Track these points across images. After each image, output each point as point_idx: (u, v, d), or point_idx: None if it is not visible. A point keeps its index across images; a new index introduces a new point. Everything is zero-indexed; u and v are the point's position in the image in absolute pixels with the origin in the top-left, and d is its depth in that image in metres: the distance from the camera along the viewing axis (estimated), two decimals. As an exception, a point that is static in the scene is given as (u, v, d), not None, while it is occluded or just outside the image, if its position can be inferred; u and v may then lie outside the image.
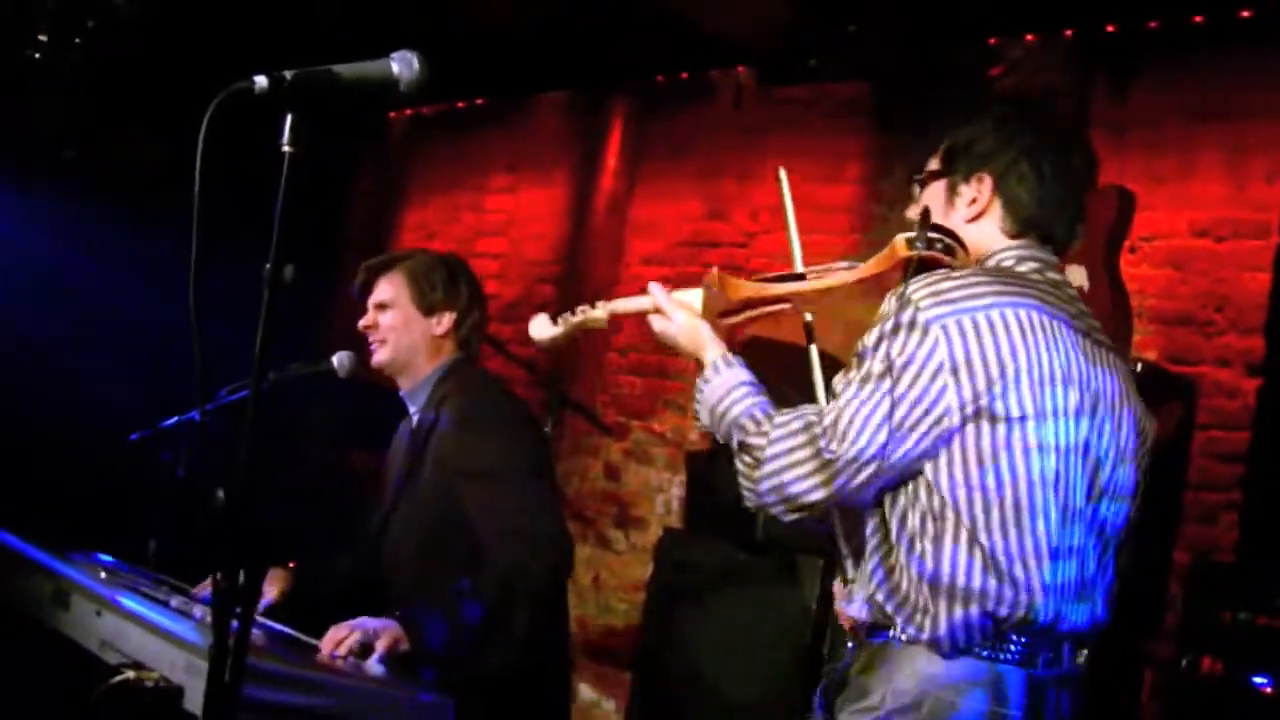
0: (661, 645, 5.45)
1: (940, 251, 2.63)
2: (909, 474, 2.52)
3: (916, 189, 2.84)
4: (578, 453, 7.10)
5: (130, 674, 2.89)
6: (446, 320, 3.95)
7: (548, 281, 7.57)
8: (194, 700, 2.79)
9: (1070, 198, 2.73)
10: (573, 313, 3.02)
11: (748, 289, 2.81)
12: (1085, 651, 2.66)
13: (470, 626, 3.55)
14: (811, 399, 2.74)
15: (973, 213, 2.72)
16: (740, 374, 2.70)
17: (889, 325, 2.51)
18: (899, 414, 2.46)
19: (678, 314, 2.82)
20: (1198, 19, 5.23)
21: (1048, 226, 2.71)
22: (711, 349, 2.75)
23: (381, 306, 3.96)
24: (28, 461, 6.58)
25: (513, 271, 7.72)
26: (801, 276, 2.81)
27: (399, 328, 3.94)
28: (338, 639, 3.37)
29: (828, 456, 2.48)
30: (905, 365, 2.47)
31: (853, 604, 2.64)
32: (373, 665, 3.32)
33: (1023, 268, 2.66)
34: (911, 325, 2.48)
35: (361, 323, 3.99)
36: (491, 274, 7.50)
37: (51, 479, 6.42)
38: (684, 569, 5.44)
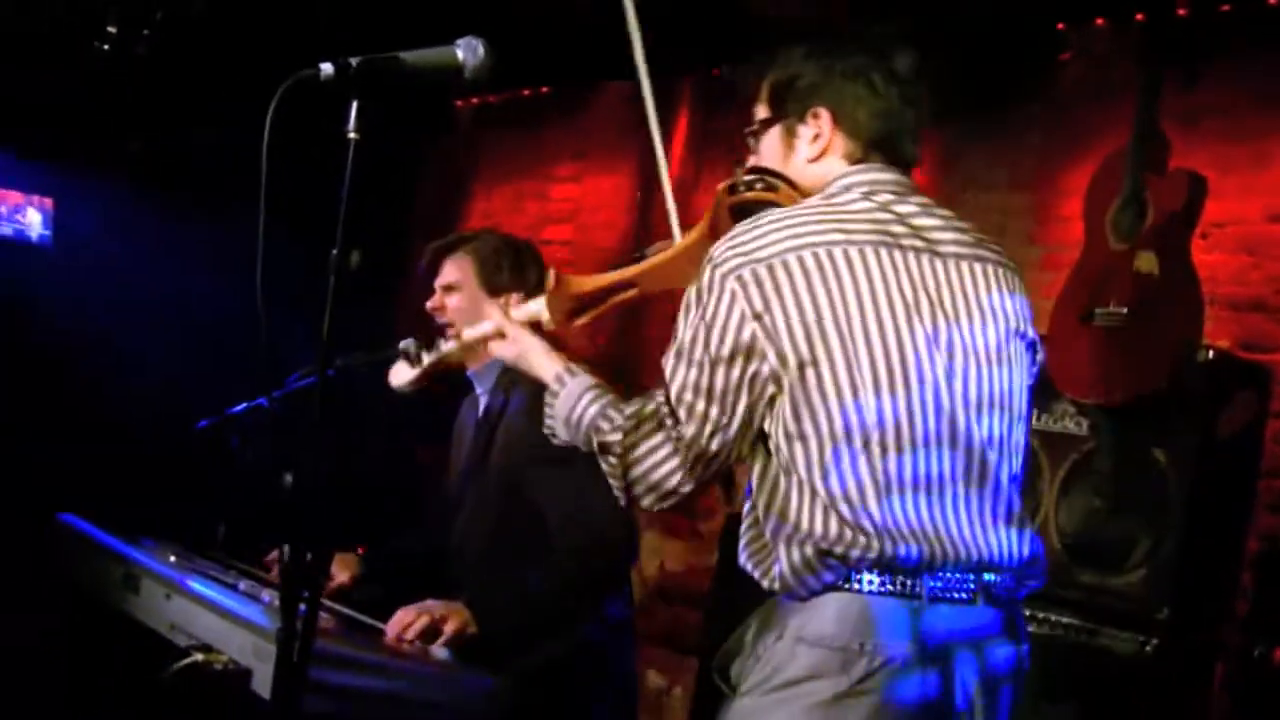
0: (727, 633, 5.44)
1: (762, 190, 2.61)
2: (761, 435, 2.51)
3: (751, 141, 2.79)
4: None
5: (199, 656, 2.93)
6: (514, 302, 3.94)
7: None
8: (262, 682, 2.82)
9: (909, 104, 2.66)
10: (427, 351, 3.05)
11: (586, 283, 2.80)
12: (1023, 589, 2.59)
13: (536, 614, 3.56)
14: None
15: (817, 150, 2.66)
16: (584, 380, 2.70)
17: (693, 290, 2.51)
18: (720, 378, 2.46)
19: (518, 336, 2.85)
20: (1272, 1, 5.16)
21: (893, 141, 2.65)
22: (550, 366, 2.77)
23: (448, 288, 3.95)
24: (98, 448, 6.65)
25: (581, 259, 7.71)
26: (640, 257, 2.81)
27: (465, 310, 3.91)
28: (404, 623, 3.39)
29: (677, 434, 2.49)
30: (710, 326, 2.46)
31: None
32: (438, 650, 3.33)
33: (843, 196, 2.58)
34: (709, 285, 2.47)
35: (428, 304, 3.98)
36: (559, 261, 7.49)
37: (122, 465, 6.47)
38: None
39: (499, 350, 2.89)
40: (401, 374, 3.16)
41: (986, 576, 2.50)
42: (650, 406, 2.54)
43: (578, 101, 7.95)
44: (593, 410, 2.63)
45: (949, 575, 2.46)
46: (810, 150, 2.66)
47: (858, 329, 2.43)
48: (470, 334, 3.00)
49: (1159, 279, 4.47)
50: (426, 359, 3.11)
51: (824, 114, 2.64)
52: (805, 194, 2.63)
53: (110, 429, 6.87)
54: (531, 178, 8.19)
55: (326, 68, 2.48)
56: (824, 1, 5.88)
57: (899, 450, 2.43)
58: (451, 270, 3.96)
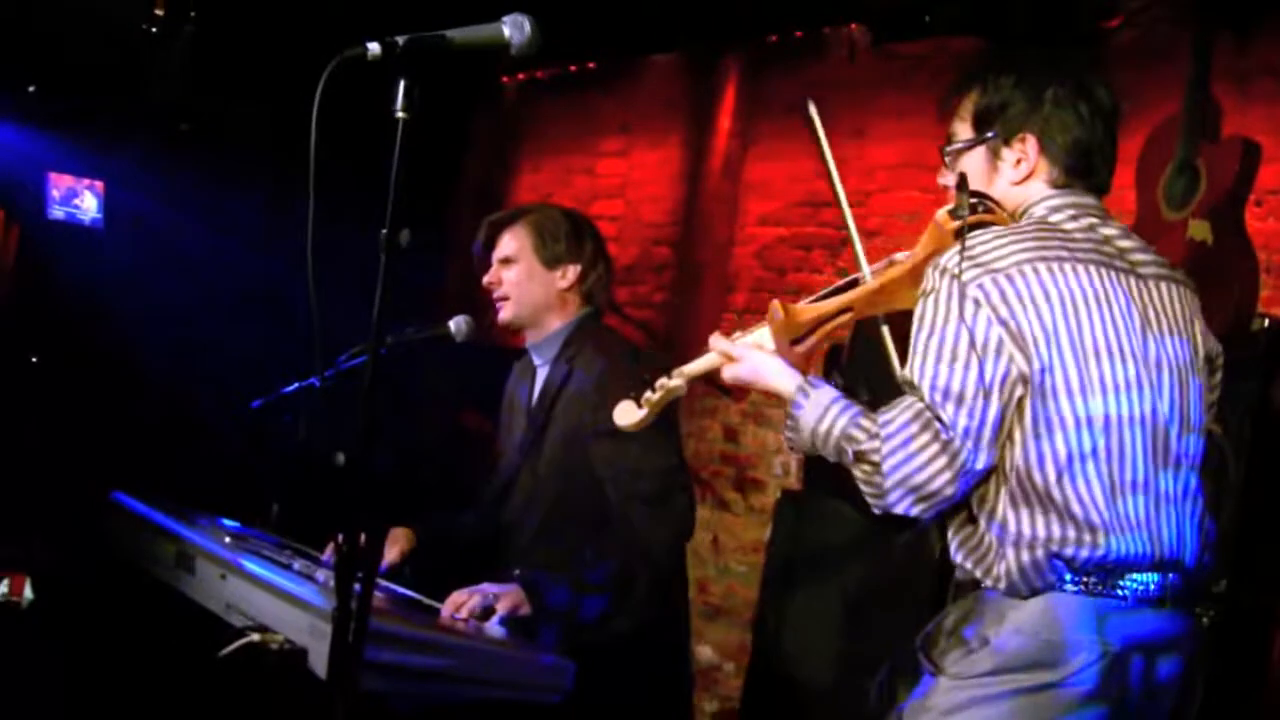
0: (781, 607, 5.44)
1: (983, 213, 2.73)
2: None
3: (948, 158, 2.89)
4: (695, 414, 7.09)
5: (255, 636, 2.94)
6: (571, 274, 3.92)
7: (664, 243, 7.55)
8: (318, 662, 2.82)
9: (1107, 135, 2.82)
10: (653, 390, 2.99)
11: (811, 311, 2.83)
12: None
13: (593, 591, 3.56)
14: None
15: (1021, 174, 2.81)
16: (829, 392, 2.71)
17: (930, 301, 2.62)
18: (974, 384, 2.55)
19: (748, 355, 2.83)
20: (1324, -39, 5.10)
21: (1092, 169, 2.81)
22: (790, 378, 2.76)
23: (505, 261, 3.92)
24: (153, 428, 6.70)
25: (629, 234, 7.71)
26: (855, 282, 2.86)
27: (522, 283, 3.90)
28: (459, 602, 3.40)
29: (945, 437, 2.54)
30: (958, 335, 2.57)
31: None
32: (493, 627, 3.34)
33: (1056, 217, 2.75)
34: (950, 294, 2.59)
35: (485, 279, 3.96)
36: (608, 236, 7.43)
37: (176, 445, 6.52)
38: (802, 531, 5.42)
39: (728, 372, 2.87)
40: (630, 414, 3.04)
41: (1173, 577, 2.65)
42: (910, 412, 2.57)
43: (624, 75, 7.94)
44: (843, 420, 2.64)
45: (1150, 578, 2.62)
46: (1014, 174, 2.82)
47: (1088, 340, 2.60)
48: (699, 366, 2.96)
49: (1212, 248, 4.43)
50: (653, 397, 3.00)
51: (1030, 140, 2.79)
52: (1009, 213, 2.80)
53: (164, 408, 6.91)
54: (579, 152, 8.18)
55: (373, 47, 2.48)
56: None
57: (1121, 456, 2.61)
58: (509, 243, 3.94)
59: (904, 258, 2.84)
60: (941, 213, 2.77)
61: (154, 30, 6.85)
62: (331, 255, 2.57)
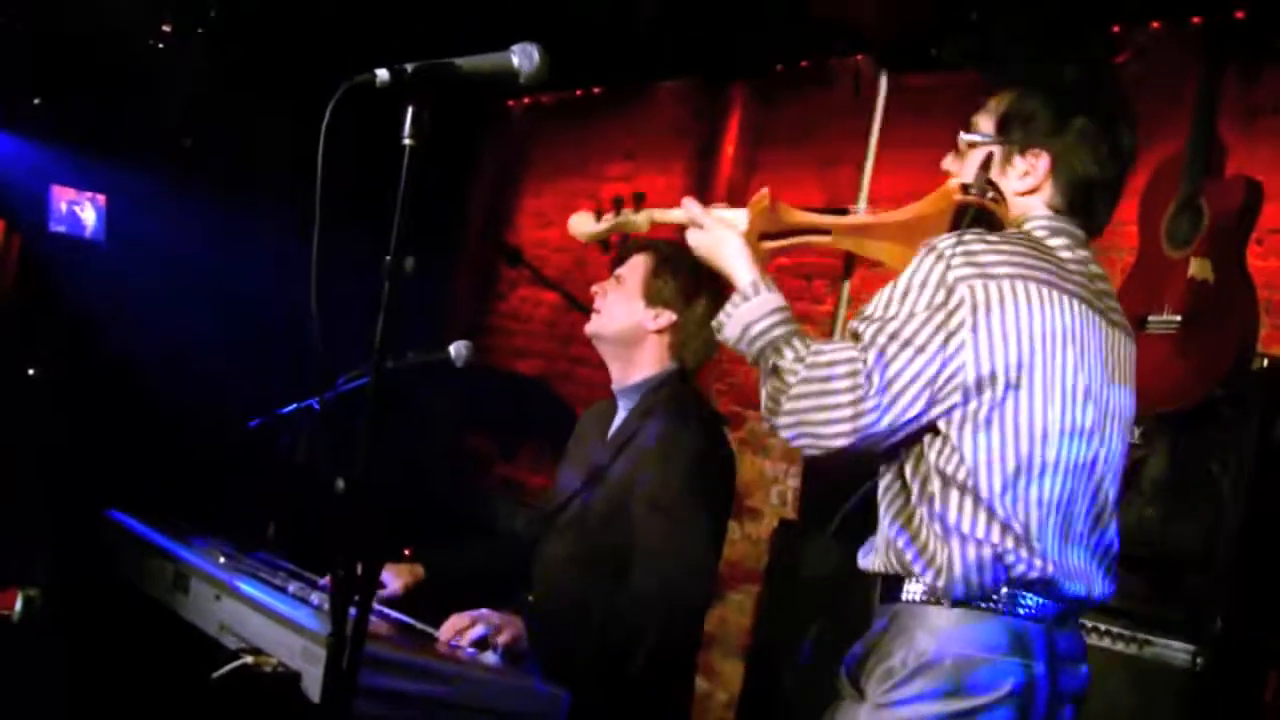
0: (776, 637, 5.43)
1: (991, 200, 2.70)
2: (926, 431, 2.59)
3: (963, 145, 2.88)
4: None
5: (248, 659, 2.93)
6: (663, 319, 3.80)
7: (665, 270, 7.54)
8: (311, 686, 2.82)
9: (1118, 180, 2.80)
10: (616, 212, 3.00)
11: (796, 215, 2.84)
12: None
13: (590, 647, 3.50)
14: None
15: (1025, 186, 2.78)
16: (779, 299, 2.70)
17: (917, 276, 2.57)
18: (915, 368, 2.52)
19: (716, 228, 2.85)
20: (1330, 3, 5.11)
21: (1092, 209, 2.79)
22: (750, 268, 2.76)
23: (618, 279, 3.90)
24: (149, 447, 6.69)
25: (630, 259, 7.71)
26: (845, 212, 2.86)
27: (615, 305, 3.84)
28: (459, 628, 3.37)
29: (859, 399, 2.51)
30: (927, 318, 2.53)
31: (865, 555, 2.77)
32: (489, 656, 3.32)
33: (1053, 241, 2.72)
34: (940, 283, 2.54)
35: (594, 286, 3.94)
36: (609, 261, 7.46)
37: (172, 464, 6.51)
38: (799, 560, 5.41)
39: (692, 238, 2.89)
40: (584, 224, 3.14)
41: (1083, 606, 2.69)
42: (843, 354, 2.55)
43: (630, 101, 7.95)
44: (780, 330, 2.64)
45: (1069, 606, 2.64)
46: (1019, 184, 2.79)
47: (1058, 371, 2.58)
48: (669, 215, 2.98)
49: (1214, 286, 4.43)
50: (611, 218, 3.11)
51: (1044, 158, 2.77)
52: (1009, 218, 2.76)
53: (161, 427, 6.91)
54: (583, 177, 8.19)
55: (382, 74, 2.48)
56: (888, 5, 5.87)
57: (1065, 492, 2.60)
58: (631, 263, 3.90)
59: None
60: (954, 182, 2.75)
61: (161, 45, 6.87)
62: (336, 275, 2.57)
